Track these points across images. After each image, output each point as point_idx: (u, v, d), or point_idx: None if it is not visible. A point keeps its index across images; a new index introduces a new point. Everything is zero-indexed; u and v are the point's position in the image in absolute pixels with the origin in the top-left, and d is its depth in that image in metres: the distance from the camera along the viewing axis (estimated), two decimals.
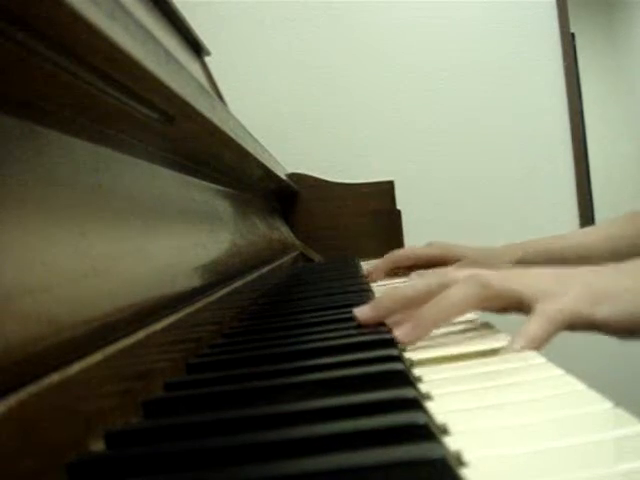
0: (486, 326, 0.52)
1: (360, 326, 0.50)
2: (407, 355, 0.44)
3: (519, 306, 0.49)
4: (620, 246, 0.88)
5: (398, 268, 0.96)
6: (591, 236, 0.93)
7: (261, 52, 1.80)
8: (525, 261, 0.92)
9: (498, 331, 0.49)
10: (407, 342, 0.47)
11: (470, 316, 0.53)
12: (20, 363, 0.25)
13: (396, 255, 0.95)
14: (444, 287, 0.49)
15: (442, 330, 0.50)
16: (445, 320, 0.48)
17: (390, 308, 0.50)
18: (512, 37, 1.81)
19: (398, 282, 0.88)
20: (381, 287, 0.85)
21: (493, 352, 0.43)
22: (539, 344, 0.44)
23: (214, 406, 0.34)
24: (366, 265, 1.07)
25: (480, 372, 0.38)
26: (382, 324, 0.50)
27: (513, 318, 0.50)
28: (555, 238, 0.97)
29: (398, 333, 0.47)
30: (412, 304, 0.50)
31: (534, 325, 0.45)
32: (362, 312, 0.51)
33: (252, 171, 0.95)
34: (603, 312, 0.47)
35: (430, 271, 0.56)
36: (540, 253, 0.92)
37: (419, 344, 0.47)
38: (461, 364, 0.40)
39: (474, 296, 0.48)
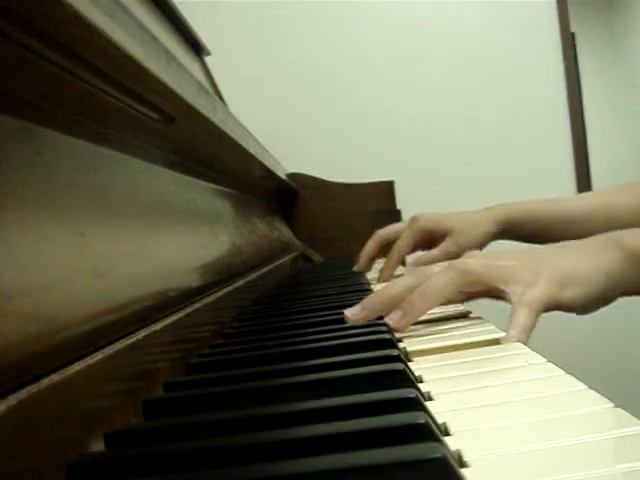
0: (478, 319, 0.55)
1: (359, 326, 0.51)
2: (402, 345, 0.46)
3: (493, 291, 0.53)
4: (618, 216, 0.86)
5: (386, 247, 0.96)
6: (588, 201, 0.92)
7: (261, 52, 1.80)
8: (513, 224, 0.92)
9: (486, 321, 0.53)
10: (397, 328, 0.51)
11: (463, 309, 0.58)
12: (20, 363, 0.25)
13: (400, 246, 0.92)
14: (426, 279, 0.53)
15: (442, 327, 0.53)
16: (431, 306, 0.52)
17: (378, 309, 0.54)
18: (512, 37, 1.81)
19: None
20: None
21: (490, 343, 0.46)
22: (529, 332, 0.48)
23: (214, 406, 0.34)
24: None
25: (480, 372, 0.38)
26: (382, 324, 0.50)
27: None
28: (550, 202, 0.95)
29: (388, 320, 0.51)
30: (399, 301, 0.53)
31: (522, 316, 0.49)
32: (353, 313, 0.54)
33: (252, 171, 0.95)
34: (567, 296, 0.52)
35: (419, 269, 0.60)
36: (532, 216, 0.92)
37: (417, 337, 0.50)
38: (461, 364, 0.40)
39: (455, 281, 0.52)
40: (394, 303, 0.53)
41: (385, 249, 0.95)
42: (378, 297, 0.55)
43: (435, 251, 0.90)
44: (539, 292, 0.51)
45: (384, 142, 1.80)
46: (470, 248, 0.76)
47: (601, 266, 0.53)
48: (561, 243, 0.59)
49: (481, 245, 0.91)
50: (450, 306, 0.59)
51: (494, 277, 0.52)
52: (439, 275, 0.53)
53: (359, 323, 0.53)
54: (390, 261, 0.90)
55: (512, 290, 0.51)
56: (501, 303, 0.53)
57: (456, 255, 0.80)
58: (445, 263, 0.55)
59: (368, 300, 0.55)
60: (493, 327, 0.51)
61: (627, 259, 0.54)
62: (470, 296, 0.58)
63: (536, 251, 0.58)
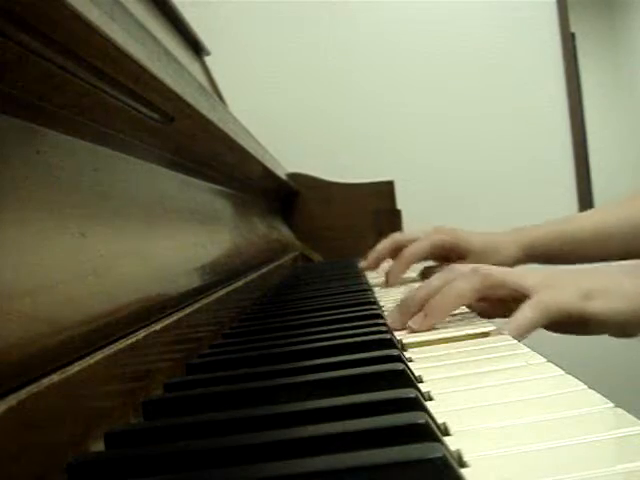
0: (474, 316, 0.56)
1: (359, 326, 0.51)
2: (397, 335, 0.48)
3: (518, 296, 0.52)
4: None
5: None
6: (609, 217, 0.87)
7: (261, 52, 1.80)
8: (535, 248, 0.88)
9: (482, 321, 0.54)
10: (419, 330, 0.52)
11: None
12: (20, 363, 0.25)
13: (412, 253, 0.88)
14: (450, 281, 0.54)
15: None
16: (453, 308, 0.54)
17: (415, 311, 0.54)
18: (512, 37, 1.81)
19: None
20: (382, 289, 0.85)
21: (482, 335, 0.47)
22: (526, 329, 0.48)
23: (214, 406, 0.34)
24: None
25: (480, 372, 0.38)
26: (382, 324, 0.50)
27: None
28: (568, 221, 0.91)
29: (411, 323, 0.52)
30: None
31: (527, 312, 0.49)
32: (393, 319, 0.55)
33: (252, 171, 0.95)
34: (594, 307, 0.49)
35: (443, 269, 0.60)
36: (557, 238, 0.88)
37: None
38: (461, 364, 0.40)
39: (478, 284, 0.53)
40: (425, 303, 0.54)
41: (395, 253, 0.92)
42: (413, 299, 0.55)
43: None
44: (557, 295, 0.49)
45: (384, 142, 1.80)
46: None
47: (623, 286, 0.51)
48: (598, 265, 0.58)
49: None
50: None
51: (517, 280, 0.52)
52: (462, 278, 0.53)
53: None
54: (399, 265, 0.87)
55: (534, 294, 0.50)
56: None
57: None
58: (470, 266, 0.56)
59: (404, 305, 0.55)
60: (488, 323, 0.52)
61: None
62: (493, 311, 0.57)
63: (567, 268, 0.57)
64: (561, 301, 0.49)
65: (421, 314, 0.53)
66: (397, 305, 0.56)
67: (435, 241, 0.87)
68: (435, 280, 0.57)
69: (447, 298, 0.53)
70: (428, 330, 0.52)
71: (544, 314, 0.49)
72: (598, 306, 0.49)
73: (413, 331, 0.52)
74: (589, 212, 1.01)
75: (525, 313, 0.49)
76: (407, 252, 0.87)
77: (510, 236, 0.90)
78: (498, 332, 0.47)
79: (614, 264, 0.57)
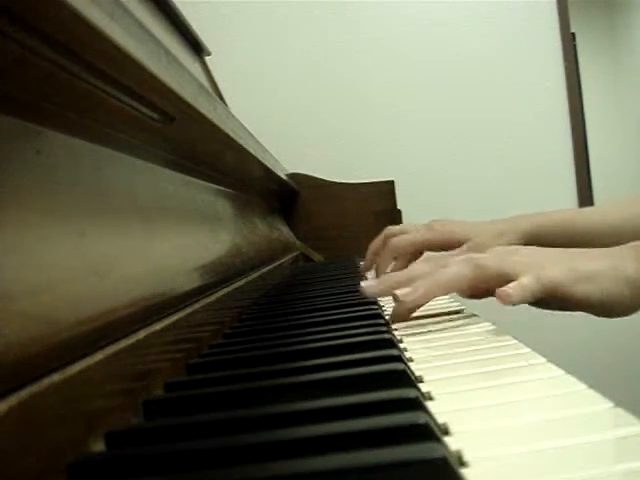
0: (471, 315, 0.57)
1: (359, 326, 0.50)
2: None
3: (509, 282, 0.52)
4: None
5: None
6: (614, 214, 0.85)
7: (261, 52, 1.80)
8: (540, 234, 0.84)
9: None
10: (403, 301, 0.53)
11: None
12: (20, 363, 0.25)
13: (395, 246, 0.87)
14: (443, 267, 0.55)
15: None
16: (439, 292, 0.54)
17: (393, 287, 0.56)
18: (512, 37, 1.81)
19: None
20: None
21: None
22: (525, 296, 0.50)
23: (214, 406, 0.34)
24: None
25: (481, 372, 0.38)
26: (382, 324, 0.50)
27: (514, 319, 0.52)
28: (574, 211, 0.89)
29: (397, 292, 0.53)
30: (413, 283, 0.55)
31: (525, 279, 0.50)
32: (368, 285, 0.57)
33: (252, 171, 0.95)
34: (585, 290, 0.51)
35: (434, 254, 0.61)
36: (559, 225, 0.85)
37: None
38: (461, 364, 0.40)
39: (469, 274, 0.53)
40: (408, 285, 0.55)
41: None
42: (395, 276, 0.57)
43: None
44: (550, 273, 0.51)
45: (384, 142, 1.80)
46: None
47: (620, 271, 0.52)
48: (586, 249, 0.58)
49: None
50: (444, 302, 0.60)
51: (509, 270, 0.52)
52: (455, 265, 0.54)
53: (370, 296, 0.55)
54: (383, 258, 0.85)
55: (528, 271, 0.51)
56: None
57: None
58: (463, 256, 0.56)
59: (385, 277, 0.57)
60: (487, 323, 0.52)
61: None
62: (484, 293, 0.57)
63: (558, 250, 0.58)
64: (553, 278, 0.51)
65: (409, 289, 0.53)
66: (379, 277, 0.58)
67: (419, 239, 0.85)
68: (423, 264, 0.57)
69: (437, 282, 0.53)
70: (412, 305, 0.53)
71: (539, 286, 0.50)
72: (582, 289, 0.51)
73: (396, 299, 0.53)
74: (599, 208, 0.97)
75: (525, 280, 0.50)
76: (391, 243, 0.86)
77: (509, 222, 0.87)
78: (502, 292, 0.49)
79: (616, 247, 0.56)
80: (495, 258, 0.54)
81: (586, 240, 0.82)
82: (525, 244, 0.83)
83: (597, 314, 0.54)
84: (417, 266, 0.58)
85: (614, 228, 0.83)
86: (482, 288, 0.55)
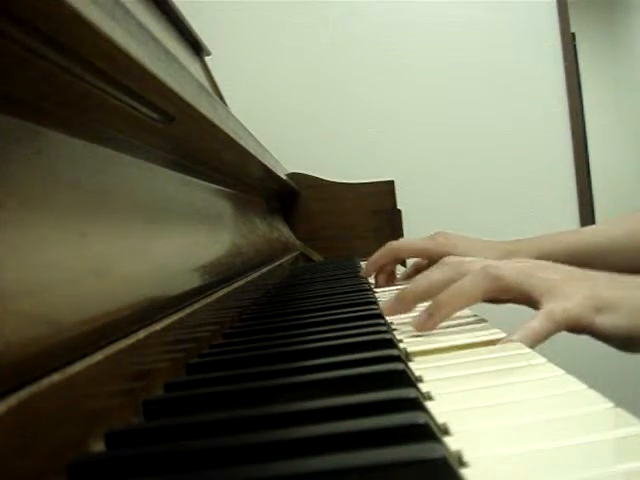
0: (480, 321, 0.54)
1: (359, 326, 0.50)
2: (402, 346, 0.46)
3: (527, 301, 0.51)
4: None
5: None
6: (615, 230, 0.82)
7: (261, 52, 1.80)
8: (546, 258, 0.79)
9: (489, 326, 0.52)
10: (423, 329, 0.51)
11: (465, 312, 0.56)
12: (20, 363, 0.25)
13: (395, 247, 0.86)
14: (459, 277, 0.53)
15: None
16: (457, 309, 0.52)
17: (413, 303, 0.57)
18: (512, 37, 1.81)
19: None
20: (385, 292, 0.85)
21: (487, 343, 0.45)
22: (536, 340, 0.46)
23: (214, 406, 0.34)
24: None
25: (481, 372, 0.38)
26: (382, 324, 0.50)
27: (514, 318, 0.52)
28: (575, 234, 0.86)
29: (415, 325, 0.51)
30: (430, 295, 0.54)
31: (537, 322, 0.47)
32: (389, 307, 0.57)
33: (252, 171, 0.95)
34: (603, 321, 0.48)
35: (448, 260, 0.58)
36: (563, 248, 0.81)
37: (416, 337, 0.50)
38: (461, 364, 0.40)
39: (486, 287, 0.51)
40: (425, 297, 0.55)
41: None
42: (412, 291, 0.56)
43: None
44: (569, 306, 0.48)
45: (384, 142, 1.80)
46: None
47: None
48: (616, 274, 0.54)
49: None
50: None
51: (528, 287, 0.50)
52: (471, 277, 0.52)
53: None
54: (381, 256, 0.84)
55: (545, 302, 0.49)
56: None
57: None
58: (481, 263, 0.54)
59: (403, 295, 0.57)
60: (496, 330, 0.49)
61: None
62: (500, 300, 0.55)
63: (586, 272, 0.54)
64: (572, 312, 0.48)
65: (424, 314, 0.51)
66: (395, 295, 0.57)
67: (418, 247, 0.85)
68: (438, 273, 0.55)
69: (454, 298, 0.51)
70: (431, 329, 0.50)
71: (554, 325, 0.47)
72: (606, 320, 0.48)
73: (417, 330, 0.50)
74: (600, 227, 0.94)
75: (537, 323, 0.47)
76: (391, 245, 0.85)
77: (515, 245, 0.85)
78: (508, 340, 0.45)
79: (627, 275, 0.53)
80: (514, 269, 0.52)
81: (591, 257, 0.79)
82: None
83: (618, 348, 0.50)
84: (433, 274, 0.56)
85: (617, 243, 0.80)
86: (496, 298, 0.53)
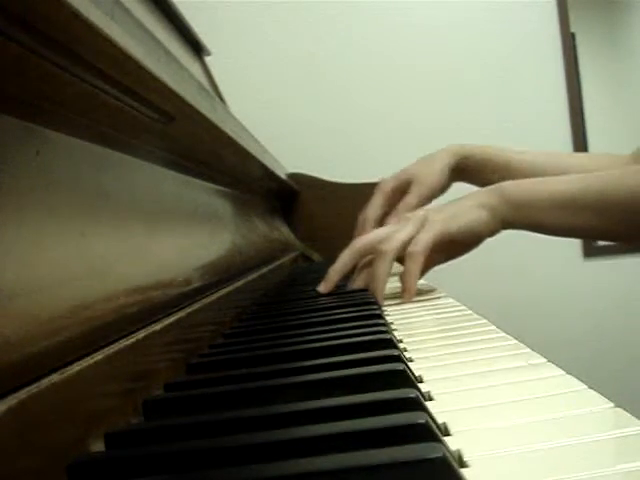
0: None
1: (359, 326, 0.50)
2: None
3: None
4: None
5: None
6: (542, 156, 0.95)
7: (261, 52, 1.80)
8: (470, 158, 0.95)
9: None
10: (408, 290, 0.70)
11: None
12: (20, 363, 0.25)
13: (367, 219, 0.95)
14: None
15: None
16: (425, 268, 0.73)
17: (342, 271, 0.74)
18: (512, 37, 1.81)
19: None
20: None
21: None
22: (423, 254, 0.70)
23: (214, 406, 0.34)
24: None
25: (480, 372, 0.38)
26: (382, 324, 0.50)
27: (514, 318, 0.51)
28: (514, 152, 0.96)
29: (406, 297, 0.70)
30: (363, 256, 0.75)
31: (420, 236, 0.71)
32: (325, 287, 0.73)
33: (252, 171, 0.95)
34: (452, 227, 0.72)
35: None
36: (489, 156, 0.95)
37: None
38: (461, 364, 0.40)
39: (436, 239, 0.71)
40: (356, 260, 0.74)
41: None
42: (336, 271, 0.74)
43: (400, 207, 0.92)
44: (431, 231, 0.70)
45: (384, 142, 1.80)
46: (433, 190, 0.93)
47: (482, 204, 0.72)
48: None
49: (441, 182, 0.94)
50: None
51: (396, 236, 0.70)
52: (421, 230, 0.71)
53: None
54: (360, 232, 0.90)
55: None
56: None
57: (420, 204, 0.91)
58: (418, 214, 0.74)
59: (332, 271, 0.74)
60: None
61: (504, 201, 0.72)
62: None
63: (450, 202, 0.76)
64: (437, 233, 0.70)
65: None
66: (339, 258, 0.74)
67: (381, 192, 0.96)
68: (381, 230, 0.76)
69: (417, 257, 0.69)
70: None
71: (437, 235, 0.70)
72: (455, 226, 0.71)
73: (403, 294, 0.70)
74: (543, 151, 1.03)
75: (420, 236, 0.70)
76: (361, 221, 0.95)
77: (445, 148, 0.98)
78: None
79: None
80: (443, 219, 0.72)
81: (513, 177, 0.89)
82: (457, 164, 0.96)
83: (471, 243, 0.73)
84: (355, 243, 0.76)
85: (537, 167, 0.93)
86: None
